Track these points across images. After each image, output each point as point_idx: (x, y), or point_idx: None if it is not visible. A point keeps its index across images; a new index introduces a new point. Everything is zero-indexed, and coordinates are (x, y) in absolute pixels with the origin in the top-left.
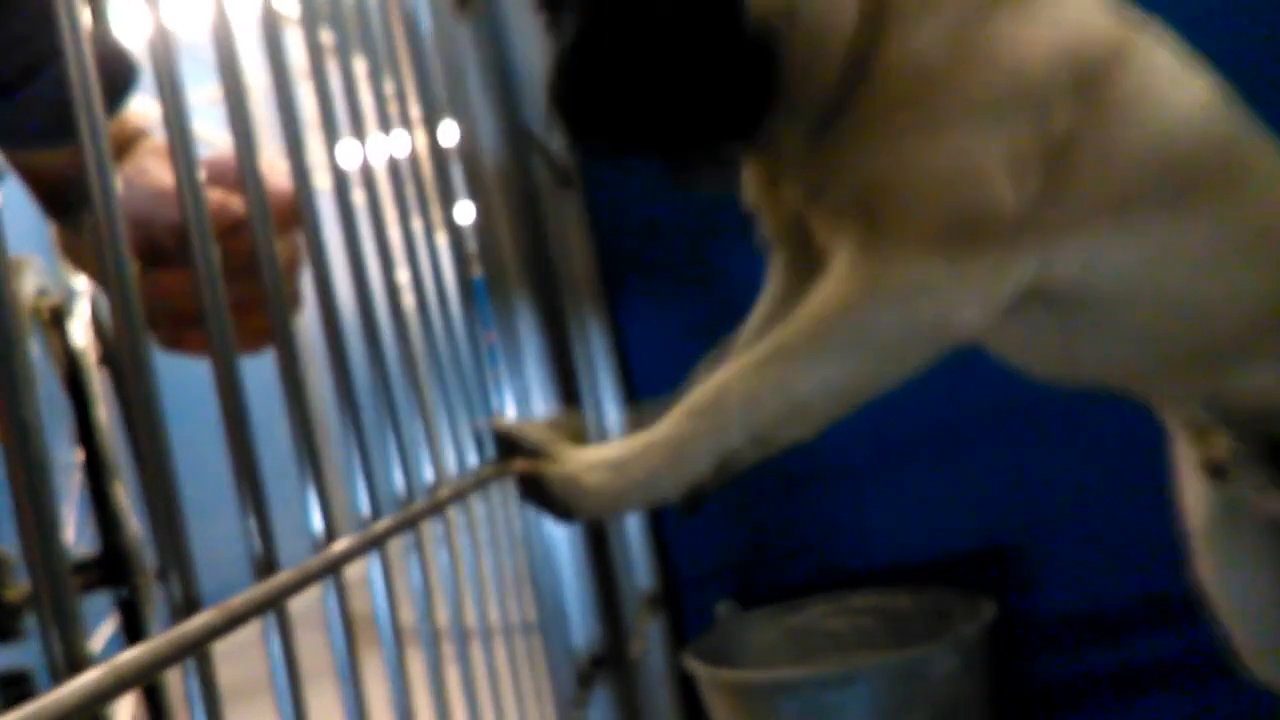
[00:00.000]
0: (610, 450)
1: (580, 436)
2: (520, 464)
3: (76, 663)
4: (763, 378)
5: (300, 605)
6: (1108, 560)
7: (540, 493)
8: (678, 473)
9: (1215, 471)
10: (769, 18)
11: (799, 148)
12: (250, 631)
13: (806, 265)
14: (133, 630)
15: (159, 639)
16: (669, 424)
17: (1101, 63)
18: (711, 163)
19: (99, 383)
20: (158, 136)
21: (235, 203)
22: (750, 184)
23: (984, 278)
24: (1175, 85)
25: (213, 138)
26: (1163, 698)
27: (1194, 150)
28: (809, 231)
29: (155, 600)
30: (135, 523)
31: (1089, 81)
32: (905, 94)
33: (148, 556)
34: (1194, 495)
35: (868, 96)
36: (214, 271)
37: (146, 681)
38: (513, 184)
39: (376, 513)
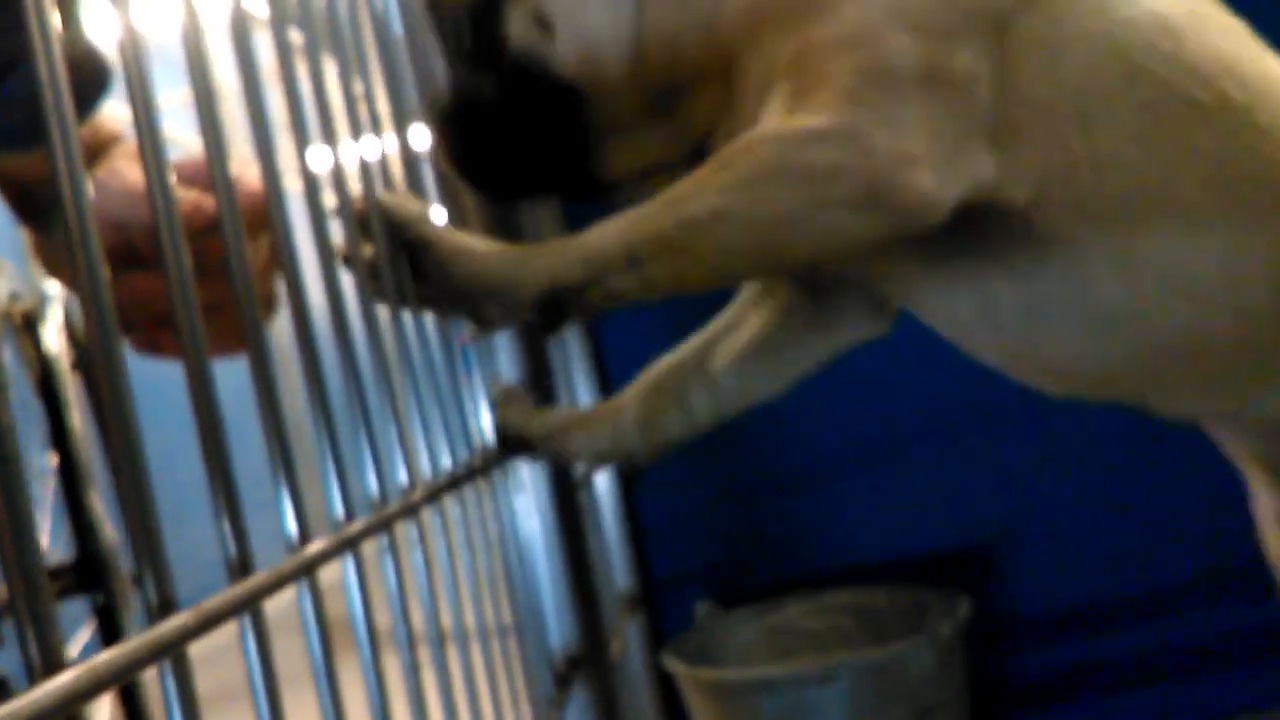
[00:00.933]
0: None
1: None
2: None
3: (53, 664)
4: (660, 201)
5: (275, 611)
6: (1082, 558)
7: (417, 260)
8: (546, 264)
9: None
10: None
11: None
12: (227, 637)
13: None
14: (110, 636)
15: (135, 640)
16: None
17: None
18: (589, 195)
19: (72, 388)
20: (132, 141)
21: (210, 204)
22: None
23: (933, 141)
24: None
25: (183, 140)
26: (1135, 695)
27: (1166, 55)
28: None
29: (132, 605)
30: (111, 528)
31: None
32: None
33: (124, 562)
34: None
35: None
36: (186, 274)
37: (123, 682)
38: None
39: (350, 514)
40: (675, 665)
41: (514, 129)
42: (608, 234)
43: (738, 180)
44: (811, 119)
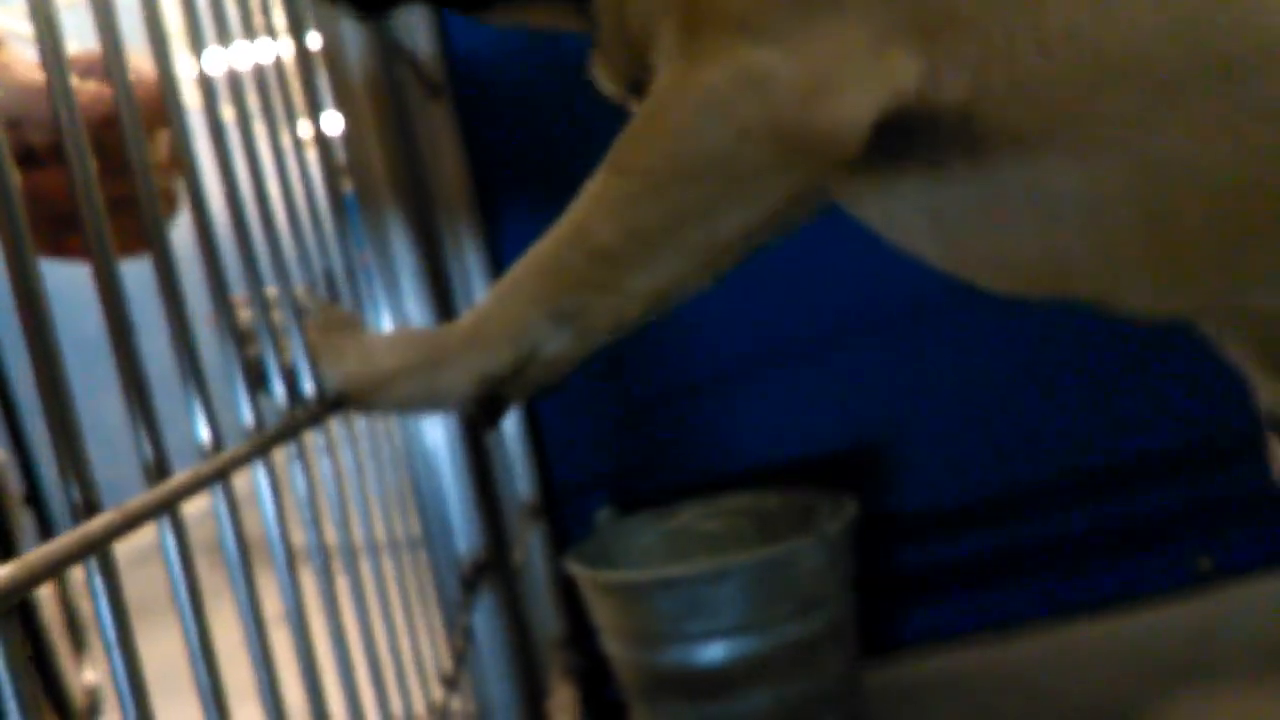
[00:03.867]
0: (399, 334)
1: None
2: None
3: None
4: (563, 236)
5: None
6: (962, 458)
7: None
8: (468, 362)
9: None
10: None
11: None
12: (143, 546)
13: None
14: (4, 555)
15: (65, 537)
16: (473, 308)
17: None
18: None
19: None
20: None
21: (110, 94)
22: (600, 69)
23: (830, 61)
24: None
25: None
26: (1010, 588)
27: None
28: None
29: (23, 525)
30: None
31: None
32: None
33: (13, 480)
34: None
35: None
36: (90, 172)
37: (55, 577)
38: (380, 95)
39: (260, 422)
40: (576, 568)
41: None
42: (521, 298)
43: (643, 185)
44: (704, 71)
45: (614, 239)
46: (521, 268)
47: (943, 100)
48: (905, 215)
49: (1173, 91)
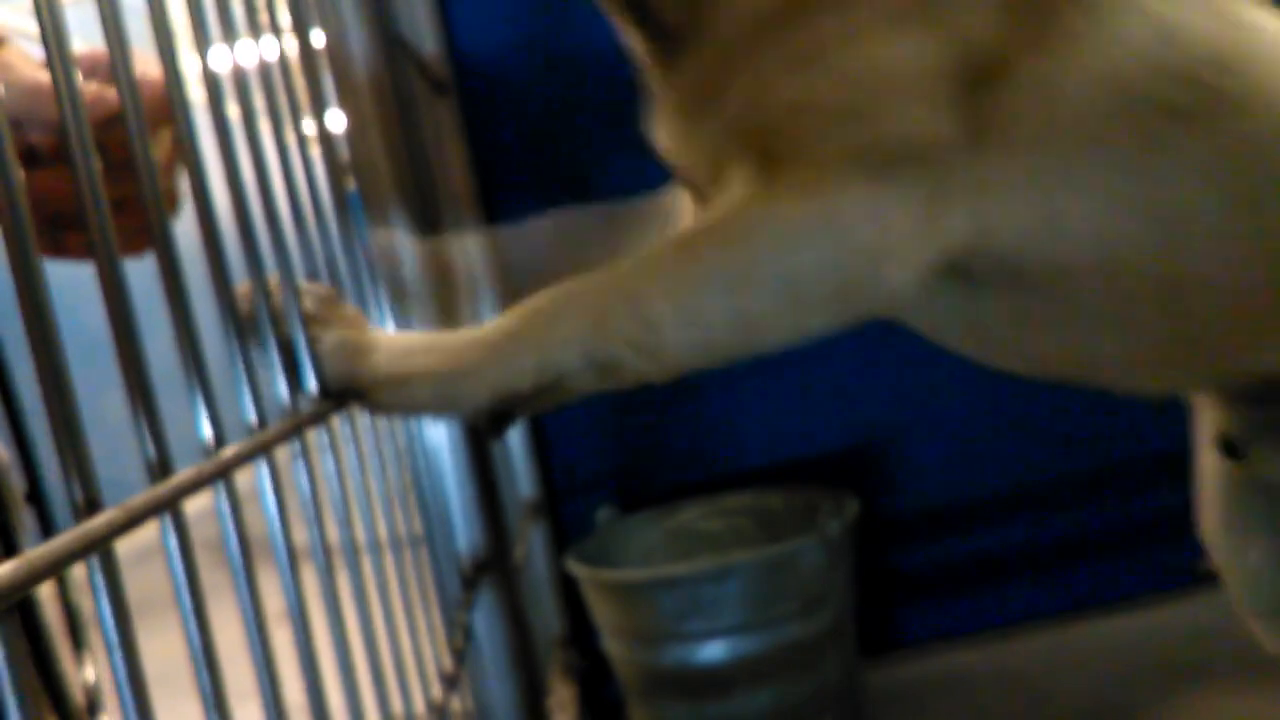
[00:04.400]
0: (418, 336)
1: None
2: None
3: None
4: (619, 292)
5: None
6: (962, 459)
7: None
8: (490, 377)
9: (1228, 449)
10: None
11: (687, 79)
12: (143, 548)
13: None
14: (6, 553)
15: (66, 535)
16: (499, 321)
17: None
18: None
19: None
20: (14, 39)
21: (111, 94)
22: (660, 130)
23: (907, 222)
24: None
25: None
26: (1010, 588)
27: (1166, 83)
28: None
29: (25, 523)
30: (1, 447)
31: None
32: (786, 8)
33: (15, 478)
34: (1211, 458)
35: (740, 14)
36: (94, 172)
37: (56, 575)
38: (385, 92)
39: (263, 421)
40: (577, 567)
41: None
42: (559, 332)
43: (708, 279)
44: (791, 202)
45: (665, 314)
46: (563, 302)
47: (988, 250)
48: (943, 322)
49: (1199, 221)
